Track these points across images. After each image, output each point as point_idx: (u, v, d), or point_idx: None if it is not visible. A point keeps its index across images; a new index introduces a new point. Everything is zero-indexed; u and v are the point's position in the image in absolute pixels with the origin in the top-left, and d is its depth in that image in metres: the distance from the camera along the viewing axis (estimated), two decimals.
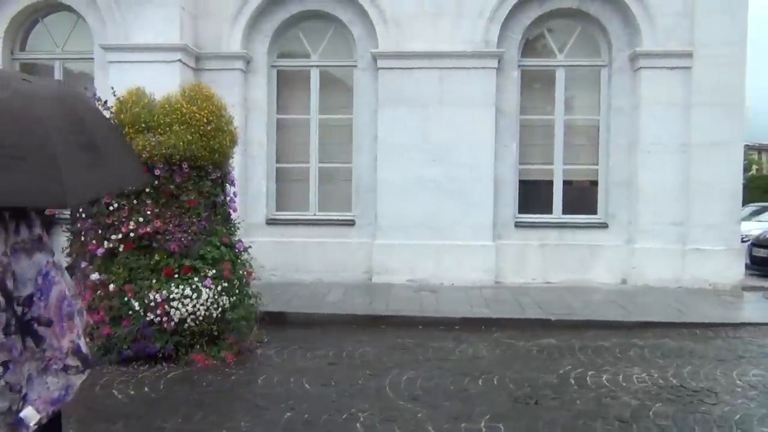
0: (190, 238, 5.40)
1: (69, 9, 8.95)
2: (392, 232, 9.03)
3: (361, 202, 9.29)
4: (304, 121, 9.46)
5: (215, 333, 5.50)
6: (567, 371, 5.19)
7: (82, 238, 5.46)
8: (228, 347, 5.51)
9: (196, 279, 5.33)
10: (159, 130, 5.31)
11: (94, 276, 5.37)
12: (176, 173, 5.42)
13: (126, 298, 5.28)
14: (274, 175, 9.52)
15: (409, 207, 8.94)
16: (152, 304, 5.22)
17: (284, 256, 9.16)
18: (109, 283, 5.34)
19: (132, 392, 4.61)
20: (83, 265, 5.47)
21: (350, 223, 9.33)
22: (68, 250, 5.61)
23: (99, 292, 5.38)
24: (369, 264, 9.13)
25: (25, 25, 9.12)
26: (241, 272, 5.67)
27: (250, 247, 6.08)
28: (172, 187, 5.41)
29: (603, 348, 5.91)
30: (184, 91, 5.55)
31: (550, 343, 6.08)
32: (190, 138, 5.31)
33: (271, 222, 9.38)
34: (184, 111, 5.34)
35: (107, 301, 5.34)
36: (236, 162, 8.90)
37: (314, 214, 9.45)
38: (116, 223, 5.34)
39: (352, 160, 9.36)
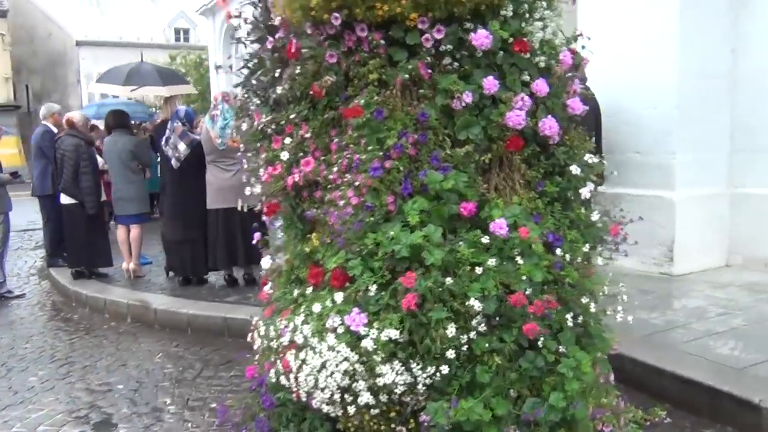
0: (354, 202, 2.15)
1: None
2: None
3: None
4: None
5: None
6: None
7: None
8: None
9: (328, 303, 2.09)
10: None
11: (265, 261, 2.79)
12: (343, 42, 2.23)
13: (257, 318, 2.53)
14: None
15: None
16: (275, 344, 2.31)
17: None
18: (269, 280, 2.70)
19: None
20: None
21: None
22: None
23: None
24: None
25: None
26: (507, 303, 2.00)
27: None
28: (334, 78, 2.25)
29: None
30: None
31: None
32: None
33: None
34: None
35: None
36: None
37: None
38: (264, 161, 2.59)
39: None
